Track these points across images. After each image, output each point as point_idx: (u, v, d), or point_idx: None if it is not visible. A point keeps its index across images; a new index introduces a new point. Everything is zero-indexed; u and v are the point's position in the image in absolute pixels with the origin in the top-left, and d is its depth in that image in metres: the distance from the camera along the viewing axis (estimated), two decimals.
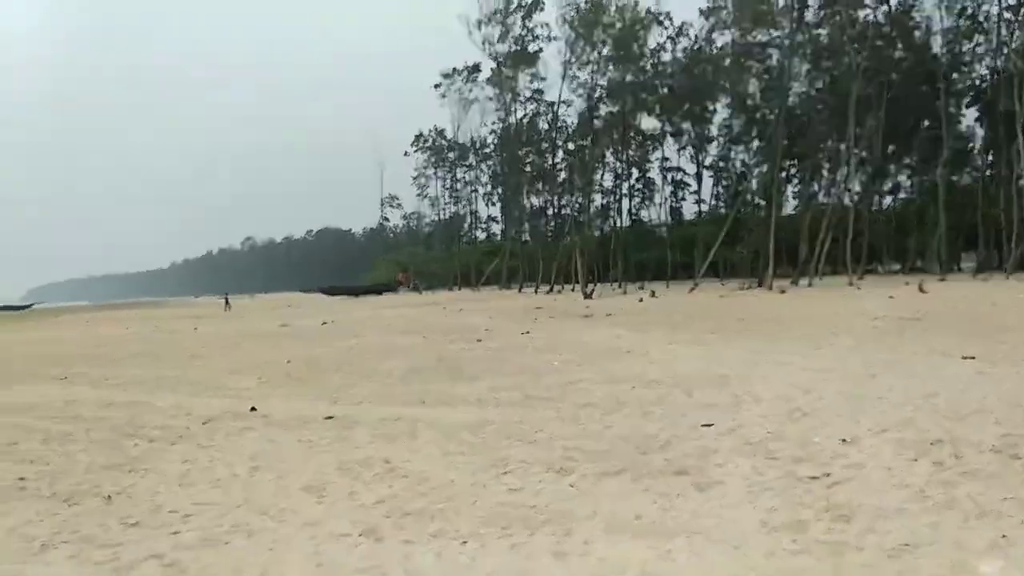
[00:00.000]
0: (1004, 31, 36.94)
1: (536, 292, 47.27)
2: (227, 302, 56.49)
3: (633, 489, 5.47)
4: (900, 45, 40.51)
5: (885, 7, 38.71)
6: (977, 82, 42.41)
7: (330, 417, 9.08)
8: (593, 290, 36.31)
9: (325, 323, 27.45)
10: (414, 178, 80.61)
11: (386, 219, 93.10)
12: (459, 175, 77.54)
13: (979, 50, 40.61)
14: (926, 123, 46.91)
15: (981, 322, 14.41)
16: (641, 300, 28.78)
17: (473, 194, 79.14)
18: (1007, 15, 35.18)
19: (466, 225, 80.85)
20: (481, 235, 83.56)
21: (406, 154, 78.39)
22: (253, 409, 9.82)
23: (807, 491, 5.00)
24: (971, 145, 46.64)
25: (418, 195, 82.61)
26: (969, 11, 38.88)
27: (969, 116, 46.56)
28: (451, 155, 76.24)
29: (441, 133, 76.02)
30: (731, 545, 4.26)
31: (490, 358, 14.28)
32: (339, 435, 8.09)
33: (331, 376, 13.26)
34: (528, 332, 19.24)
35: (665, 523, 4.72)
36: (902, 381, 8.35)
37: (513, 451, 6.94)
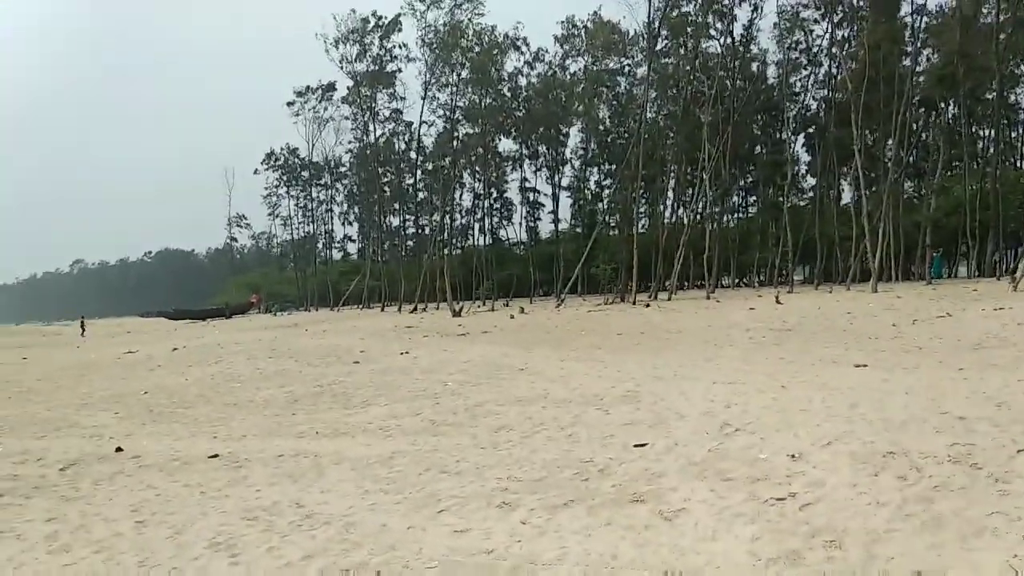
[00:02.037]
0: (831, 63, 40.51)
1: (400, 311, 46.21)
2: (83, 327, 51.35)
3: (593, 523, 5.06)
4: (740, 76, 43.40)
5: (727, 39, 41.29)
6: (806, 111, 46.31)
7: (214, 456, 8.05)
8: (461, 308, 35.86)
9: (176, 349, 25.18)
10: (265, 196, 76.89)
11: (234, 239, 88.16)
12: (314, 194, 74.64)
13: (807, 82, 44.47)
14: (762, 148, 50.84)
15: (848, 331, 15.33)
16: (513, 317, 28.64)
17: (328, 213, 76.55)
18: (834, 50, 38.55)
19: (320, 244, 77.93)
20: (337, 255, 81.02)
21: (256, 172, 74.64)
22: (119, 450, 8.56)
23: (781, 515, 4.78)
24: (798, 169, 50.68)
25: (269, 214, 78.72)
26: (802, 45, 42.48)
27: (798, 141, 50.82)
28: (305, 174, 73.37)
29: (294, 151, 73.12)
30: None
31: (376, 382, 13.47)
32: (232, 477, 7.14)
33: (200, 408, 11.98)
34: (408, 352, 18.46)
35: (648, 562, 4.33)
36: (816, 392, 8.50)
37: (440, 485, 6.35)
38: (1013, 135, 43.04)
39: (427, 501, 5.91)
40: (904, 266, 37.35)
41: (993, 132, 38.55)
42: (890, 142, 35.10)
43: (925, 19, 35.60)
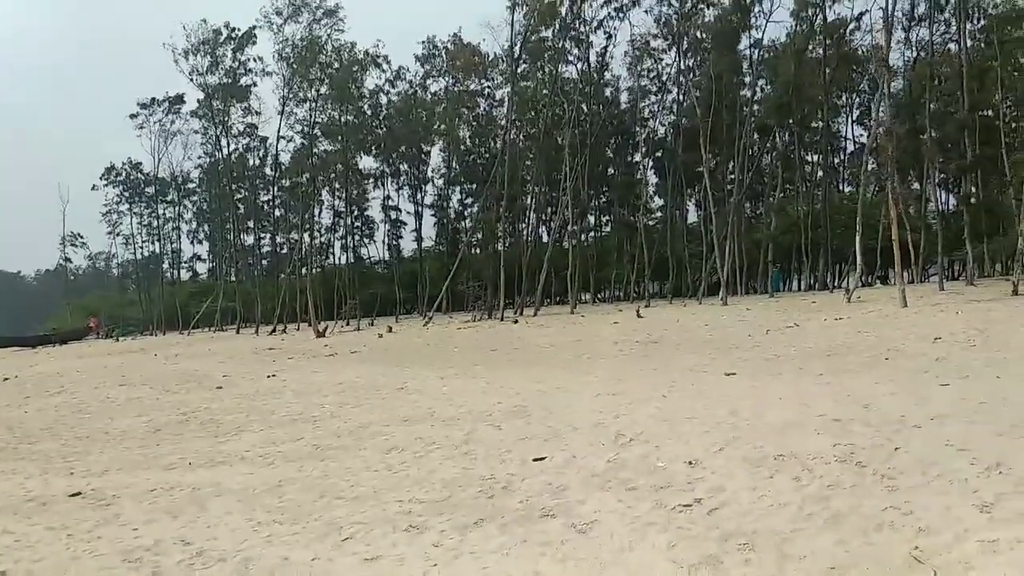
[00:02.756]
0: (679, 91, 43.22)
1: (257, 333, 44.23)
2: None
3: (508, 541, 5.07)
4: (594, 100, 45.33)
5: (583, 64, 43.00)
6: (655, 136, 49.05)
7: (76, 494, 7.40)
8: (326, 328, 34.88)
9: (7, 379, 22.84)
10: (104, 214, 71.24)
11: (67, 259, 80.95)
12: (160, 211, 69.99)
13: (656, 108, 47.18)
14: (615, 170, 53.26)
15: (709, 342, 16.29)
16: (381, 336, 28.23)
17: (175, 231, 71.98)
18: (681, 78, 41.18)
19: (167, 264, 73.02)
20: (186, 275, 76.22)
21: (94, 188, 69.00)
22: None
23: (690, 521, 5.01)
24: (648, 190, 53.51)
25: (109, 233, 72.98)
26: (652, 73, 45.05)
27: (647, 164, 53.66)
28: (149, 190, 68.74)
29: (137, 166, 68.32)
30: None
31: (246, 407, 12.87)
32: (100, 516, 6.58)
33: (47, 443, 10.95)
34: (275, 375, 17.77)
35: None
36: (695, 400, 8.99)
37: (337, 512, 6.16)
38: (836, 161, 47.75)
39: (327, 530, 5.72)
40: (747, 281, 40.26)
41: (820, 158, 42.57)
42: (732, 165, 37.92)
43: (762, 52, 38.86)
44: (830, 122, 40.69)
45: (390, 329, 31.54)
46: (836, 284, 39.37)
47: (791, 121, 38.15)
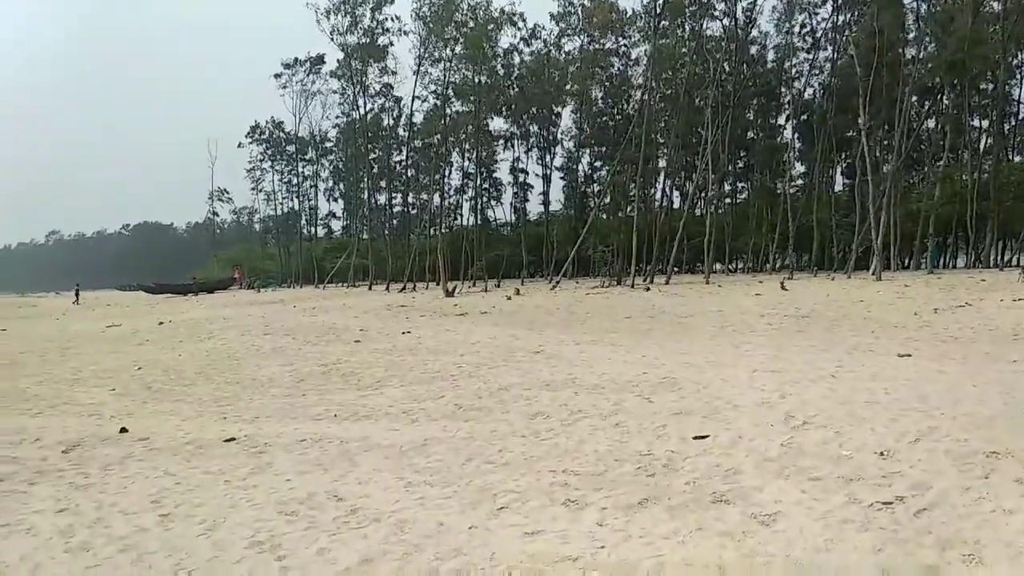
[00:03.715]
0: (833, 49, 40.05)
1: (388, 290, 45.43)
2: (77, 295, 50.85)
3: (681, 527, 4.52)
4: (738, 59, 42.76)
5: (730, 20, 40.60)
6: (801, 98, 45.82)
7: (231, 439, 7.45)
8: (454, 288, 35.22)
9: (162, 323, 24.38)
10: (248, 171, 75.16)
11: (215, 213, 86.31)
12: (299, 169, 73.02)
13: (805, 68, 43.95)
14: (756, 133, 50.40)
15: (869, 319, 14.95)
16: (509, 298, 28.09)
17: (313, 189, 75.02)
18: (835, 35, 38.07)
19: (304, 220, 76.33)
20: (321, 231, 79.56)
21: (240, 145, 72.82)
22: (124, 430, 7.94)
23: (895, 522, 4.28)
24: (792, 156, 50.34)
25: (252, 189, 77.00)
26: (806, 29, 41.92)
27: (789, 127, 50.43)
28: (290, 148, 71.78)
29: (279, 125, 71.46)
30: None
31: (384, 362, 12.89)
32: (255, 464, 6.55)
33: (201, 386, 11.35)
34: (409, 332, 17.88)
35: None
36: (871, 383, 8.03)
37: (489, 478, 5.81)
38: (1006, 127, 42.90)
39: (481, 496, 5.37)
40: (899, 254, 37.17)
41: (992, 123, 38.38)
42: (890, 130, 34.79)
43: (931, 5, 35.11)
44: (1006, 84, 36.31)
45: (517, 291, 31.36)
46: (1004, 262, 35.66)
47: (960, 82, 34.39)
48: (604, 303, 23.14)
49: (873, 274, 26.16)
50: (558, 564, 4.12)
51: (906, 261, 38.67)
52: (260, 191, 77.05)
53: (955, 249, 43.25)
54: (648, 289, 28.19)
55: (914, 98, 36.74)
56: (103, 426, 8.24)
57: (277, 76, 62.48)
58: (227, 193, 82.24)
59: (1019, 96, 41.76)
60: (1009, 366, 9.06)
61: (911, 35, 36.59)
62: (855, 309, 16.70)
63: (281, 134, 72.16)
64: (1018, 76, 41.60)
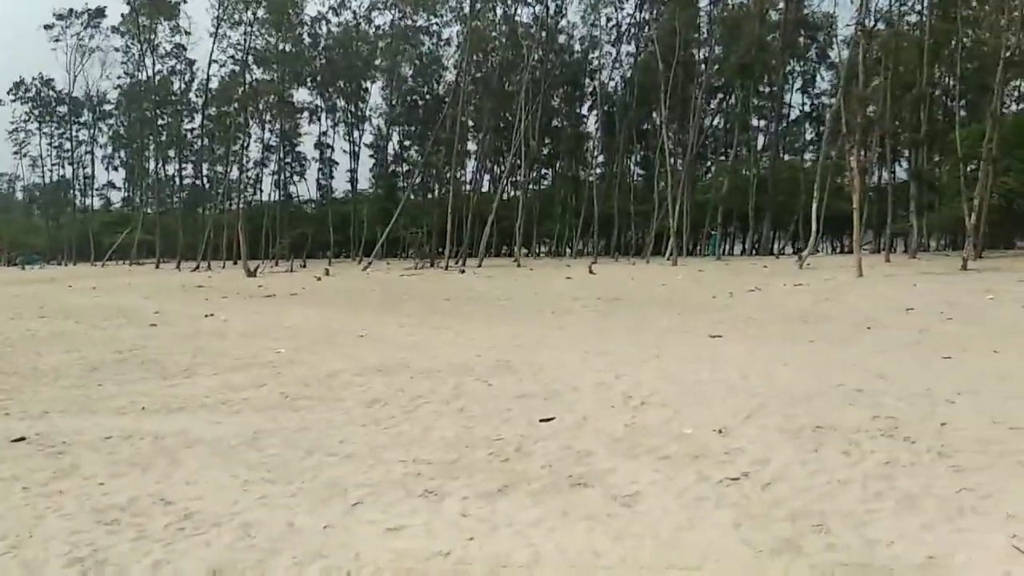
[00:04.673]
0: (635, 44, 42.62)
1: (179, 269, 42.08)
2: None
3: (546, 513, 4.48)
4: (548, 47, 44.15)
5: (539, 7, 41.73)
6: (603, 88, 48.27)
7: (20, 439, 6.42)
8: (257, 268, 33.31)
9: None
10: (10, 133, 65.88)
11: None
12: (72, 133, 65.11)
13: (607, 61, 46.37)
14: (561, 121, 52.37)
15: (673, 302, 16.06)
16: (319, 279, 27.05)
17: (88, 156, 67.31)
18: (636, 30, 40.52)
19: (76, 190, 68.26)
20: (98, 203, 71.77)
21: (1, 103, 63.61)
22: None
23: (745, 497, 4.55)
24: (594, 145, 52.94)
25: (15, 153, 67.72)
26: (611, 22, 44.12)
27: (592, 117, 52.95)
28: (61, 109, 63.81)
29: (49, 83, 63.14)
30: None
31: (189, 348, 11.86)
32: (55, 467, 5.67)
33: None
34: (212, 315, 16.64)
35: (641, 560, 3.88)
36: (695, 364, 8.57)
37: (334, 471, 5.47)
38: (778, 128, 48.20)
39: (329, 492, 5.01)
40: (687, 243, 40.51)
41: (769, 123, 42.90)
42: (683, 124, 37.73)
43: (721, 10, 38.36)
44: (781, 88, 40.78)
45: (327, 272, 30.37)
46: (780, 249, 40.08)
47: (748, 83, 38.04)
48: (421, 285, 22.99)
49: (669, 259, 28.30)
50: (430, 561, 3.93)
51: (691, 248, 42.26)
52: (24, 156, 68.01)
53: (733, 238, 47.95)
54: (463, 271, 28.44)
55: (706, 96, 40.11)
56: None
57: (48, 28, 55.28)
58: None
59: (790, 100, 47.04)
60: (808, 347, 10.10)
61: (703, 36, 39.87)
62: (660, 292, 17.93)
63: (52, 93, 64.00)
64: (790, 82, 46.89)
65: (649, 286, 19.37)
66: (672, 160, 36.98)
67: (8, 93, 63.71)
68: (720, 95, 45.40)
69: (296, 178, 61.37)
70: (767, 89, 42.04)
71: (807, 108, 49.22)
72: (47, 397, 8.44)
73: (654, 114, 46.26)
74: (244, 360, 10.62)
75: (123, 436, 6.55)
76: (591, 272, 24.12)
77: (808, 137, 52.19)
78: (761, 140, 44.65)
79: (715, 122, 46.38)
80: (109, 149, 69.22)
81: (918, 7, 31.65)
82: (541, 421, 6.46)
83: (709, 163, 48.39)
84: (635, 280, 21.02)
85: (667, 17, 36.27)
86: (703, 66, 36.48)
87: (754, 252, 41.10)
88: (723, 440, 5.57)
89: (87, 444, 6.30)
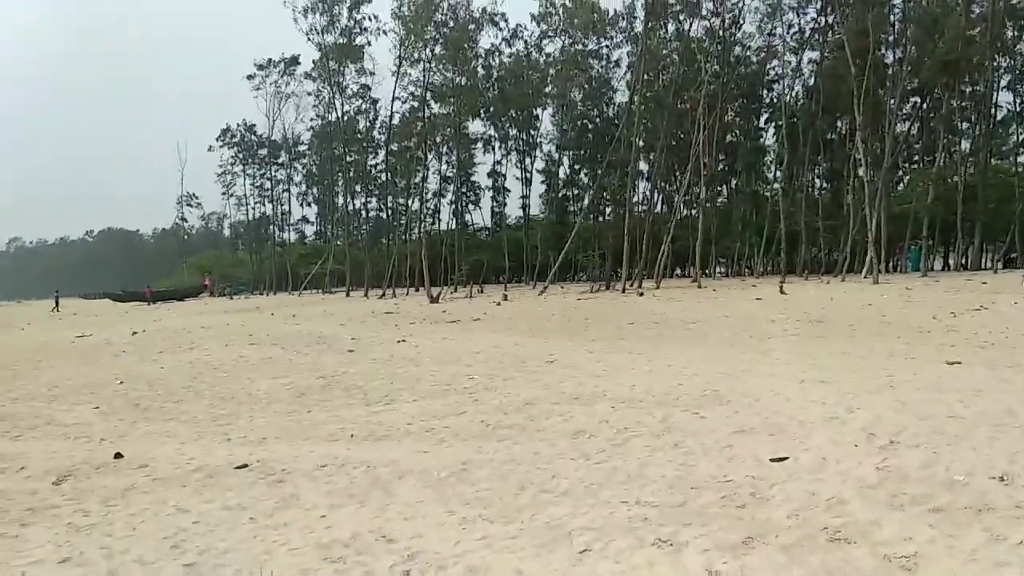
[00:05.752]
0: (820, 51, 39.99)
1: (367, 296, 44.49)
2: (57, 303, 49.33)
3: (806, 573, 3.87)
4: (723, 60, 42.58)
5: (720, 20, 40.39)
6: (783, 100, 45.79)
7: (243, 466, 6.66)
8: (439, 294, 34.44)
9: (136, 333, 23.29)
10: (219, 175, 73.59)
11: (183, 219, 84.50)
12: (271, 173, 71.58)
13: (787, 70, 43.91)
14: (736, 135, 50.26)
15: (887, 324, 14.52)
16: (499, 304, 27.39)
17: (285, 193, 73.61)
18: (818, 36, 38.05)
19: (275, 226, 74.75)
20: (294, 236, 78.22)
21: (210, 149, 71.27)
22: (119, 456, 7.11)
23: None
24: (771, 158, 50.27)
25: (223, 194, 75.48)
26: (793, 30, 41.89)
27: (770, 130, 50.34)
28: (262, 151, 70.39)
29: (251, 128, 70.04)
30: None
31: (386, 373, 12.13)
32: (278, 495, 5.79)
33: (192, 403, 10.48)
34: (404, 340, 17.11)
35: None
36: (939, 394, 7.48)
37: (552, 511, 5.12)
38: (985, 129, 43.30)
39: (552, 535, 4.68)
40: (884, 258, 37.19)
41: (974, 126, 38.64)
42: (875, 131, 34.79)
43: (914, 8, 35.13)
44: (988, 86, 36.56)
45: (505, 297, 30.69)
46: (995, 263, 35.79)
47: (952, 83, 34.46)
48: (600, 309, 22.55)
49: (866, 277, 25.96)
50: None
51: (889, 265, 38.75)
52: (231, 196, 75.60)
53: (934, 251, 43.54)
54: (641, 294, 27.69)
55: (905, 99, 36.89)
56: (94, 451, 7.39)
57: (251, 78, 61.35)
58: (196, 198, 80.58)
59: (996, 99, 42.12)
60: None
61: (891, 38, 36.70)
62: (867, 313, 16.28)
63: (253, 137, 70.79)
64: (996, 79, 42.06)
65: (852, 306, 17.68)
66: (866, 170, 34.13)
67: (216, 139, 71.24)
68: (914, 99, 41.51)
69: (471, 206, 63.56)
70: (969, 89, 37.89)
71: (1016, 107, 44.03)
72: (263, 423, 8.84)
73: (838, 123, 43.44)
74: (440, 386, 10.67)
75: (337, 465, 6.62)
76: (782, 292, 22.55)
77: (1019, 138, 46.66)
78: (965, 144, 40.29)
79: (909, 128, 42.44)
80: (303, 187, 75.46)
81: None
82: (772, 461, 5.78)
83: (900, 172, 44.26)
84: (834, 300, 19.32)
85: (854, 19, 33.69)
86: (899, 67, 33.39)
87: (962, 267, 36.91)
88: (1008, 490, 4.64)
89: (304, 472, 6.41)
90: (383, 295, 44.16)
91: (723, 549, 4.25)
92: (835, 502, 4.80)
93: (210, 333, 21.84)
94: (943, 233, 38.82)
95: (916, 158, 44.01)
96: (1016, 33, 38.29)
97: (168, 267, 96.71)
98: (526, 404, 8.86)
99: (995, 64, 36.73)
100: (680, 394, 8.59)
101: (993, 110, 41.72)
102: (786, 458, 5.78)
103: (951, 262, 41.42)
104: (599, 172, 43.43)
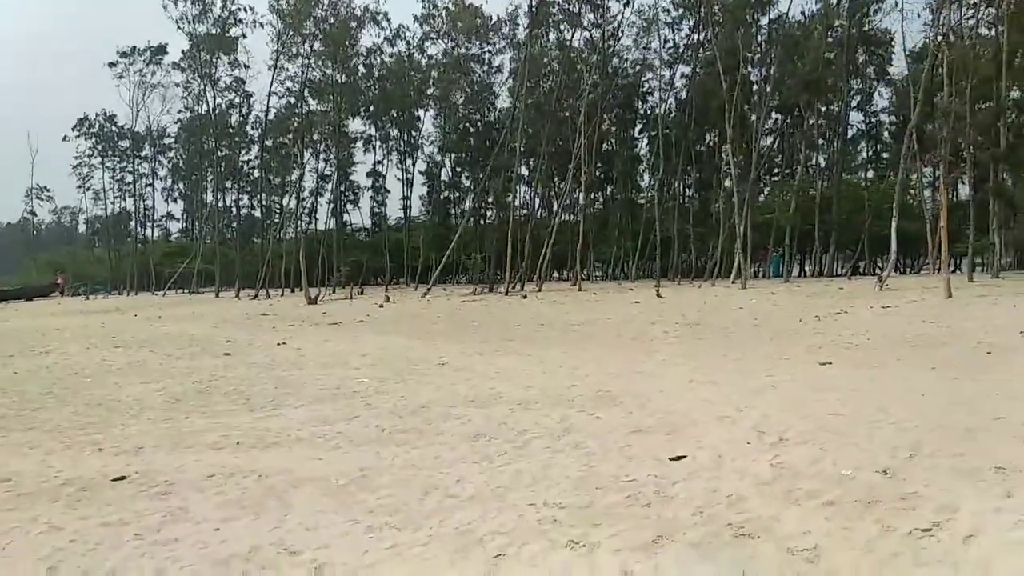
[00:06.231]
0: (692, 66, 42.02)
1: (238, 297, 42.64)
2: None
3: (719, 571, 4.00)
4: (602, 70, 43.88)
5: (596, 31, 41.53)
6: (657, 110, 47.81)
7: (121, 478, 6.19)
8: (318, 295, 33.47)
9: None
10: (74, 167, 68.17)
11: (32, 213, 77.85)
12: (133, 167, 67.04)
13: (661, 83, 45.94)
14: (612, 144, 51.97)
15: (760, 327, 15.34)
16: (382, 306, 26.96)
17: (149, 188, 69.24)
18: (690, 52, 40.05)
19: (136, 222, 70.01)
20: (157, 233, 73.62)
21: (65, 139, 65.87)
22: None
23: (946, 551, 3.98)
24: (647, 167, 52.33)
25: (79, 187, 69.98)
26: (668, 44, 43.79)
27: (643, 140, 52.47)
28: (123, 143, 65.88)
29: (111, 119, 65.32)
30: None
31: (270, 378, 11.69)
32: (164, 509, 5.40)
33: (54, 410, 9.67)
34: (285, 343, 16.54)
35: None
36: (817, 393, 8.00)
37: (459, 516, 5.04)
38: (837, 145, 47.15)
39: (463, 541, 4.60)
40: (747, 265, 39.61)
41: (836, 142, 41.91)
42: (741, 145, 36.99)
43: (779, 30, 37.70)
44: (843, 106, 39.87)
45: (388, 299, 30.26)
46: (849, 269, 38.91)
47: (812, 101, 37.23)
48: (486, 311, 22.65)
49: (734, 282, 27.53)
50: None
51: (752, 270, 41.31)
52: (88, 189, 70.27)
53: (791, 258, 46.78)
54: (525, 297, 28.05)
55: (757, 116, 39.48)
56: None
57: (112, 65, 57.27)
58: (47, 191, 74.53)
59: (846, 118, 45.86)
60: (934, 374, 9.31)
61: (757, 56, 39.20)
62: (740, 316, 17.23)
63: (114, 128, 66.14)
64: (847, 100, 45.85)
65: (725, 310, 18.68)
66: (732, 181, 36.29)
67: (72, 129, 66.10)
68: (777, 115, 44.54)
69: (350, 206, 62.24)
70: (826, 108, 41.19)
71: (864, 126, 48.33)
72: (137, 431, 8.25)
73: (707, 135, 45.92)
74: (328, 390, 10.37)
75: (226, 474, 6.27)
76: (659, 296, 23.51)
77: (865, 155, 51.22)
78: (821, 159, 43.78)
79: (772, 142, 45.55)
80: (168, 181, 71.32)
81: (989, 18, 30.63)
82: (671, 460, 5.97)
83: (762, 184, 47.34)
84: (708, 304, 20.36)
85: (724, 37, 35.75)
86: (764, 85, 35.79)
87: (818, 274, 39.92)
88: (892, 483, 5.00)
89: (190, 483, 6.03)
90: (256, 296, 42.48)
91: (635, 549, 4.31)
92: (735, 499, 4.99)
93: (67, 335, 20.27)
94: (800, 241, 41.76)
95: (776, 171, 47.09)
96: (866, 58, 42.01)
97: (13, 264, 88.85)
98: (421, 407, 8.75)
99: (848, 86, 40.04)
100: (574, 395, 8.75)
101: (845, 128, 45.52)
102: (684, 457, 5.98)
103: (807, 269, 44.61)
104: (481, 176, 43.71)
